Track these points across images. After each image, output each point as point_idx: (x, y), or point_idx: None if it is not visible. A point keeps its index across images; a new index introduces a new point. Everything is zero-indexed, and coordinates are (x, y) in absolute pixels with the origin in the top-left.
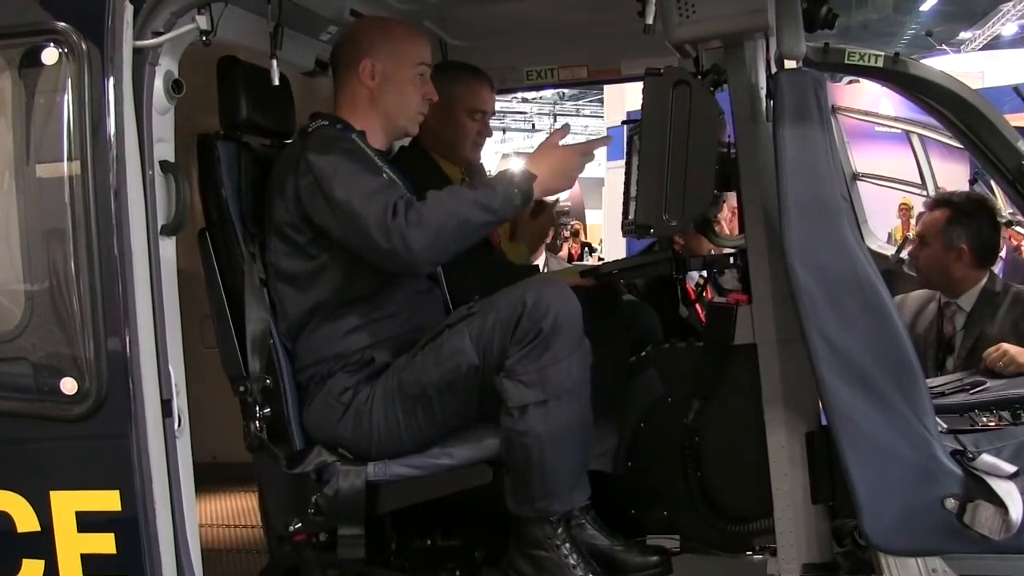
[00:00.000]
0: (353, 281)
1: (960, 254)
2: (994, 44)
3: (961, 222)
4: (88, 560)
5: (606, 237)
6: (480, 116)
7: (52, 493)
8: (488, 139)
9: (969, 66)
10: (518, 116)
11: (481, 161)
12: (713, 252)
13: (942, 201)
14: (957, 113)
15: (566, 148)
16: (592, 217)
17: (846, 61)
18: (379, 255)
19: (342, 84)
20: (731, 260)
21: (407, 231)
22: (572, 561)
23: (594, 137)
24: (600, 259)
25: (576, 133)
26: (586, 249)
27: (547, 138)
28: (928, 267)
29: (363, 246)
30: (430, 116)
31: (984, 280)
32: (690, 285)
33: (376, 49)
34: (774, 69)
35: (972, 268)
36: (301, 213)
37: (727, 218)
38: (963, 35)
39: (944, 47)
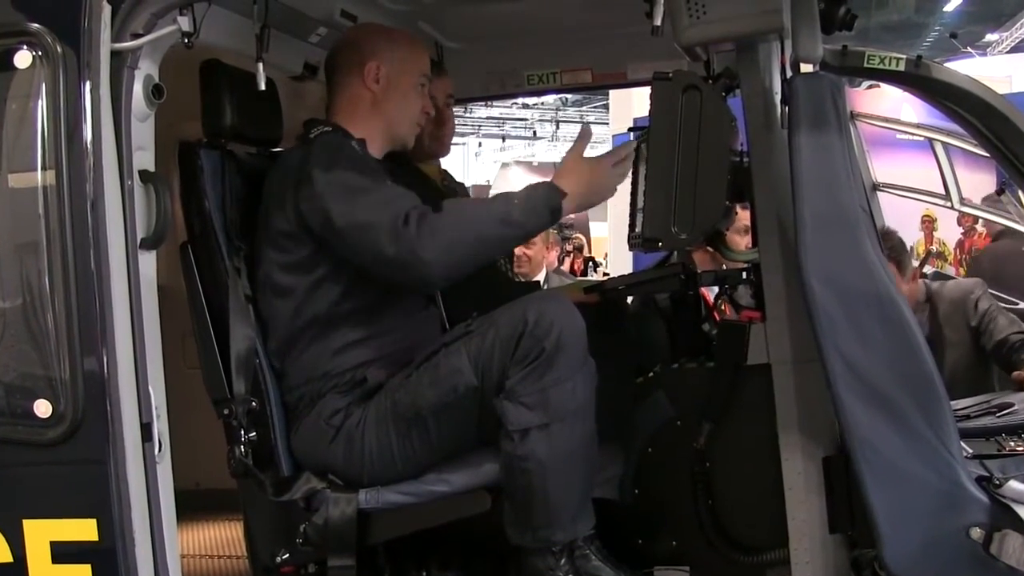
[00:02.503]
0: (350, 296)
1: (915, 275)
2: (1023, 47)
3: (902, 258)
4: None
5: (611, 251)
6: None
7: (25, 522)
8: (479, 142)
9: (996, 70)
10: (518, 123)
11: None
12: (726, 267)
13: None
14: (983, 120)
15: (595, 159)
16: (596, 230)
17: (866, 64)
18: (389, 266)
19: (341, 88)
20: (744, 275)
21: (418, 240)
22: None
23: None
24: (605, 274)
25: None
26: (590, 264)
27: (571, 149)
28: None
29: (372, 257)
30: None
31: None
32: (710, 298)
33: (381, 53)
34: (789, 73)
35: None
36: (302, 225)
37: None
38: (990, 37)
39: (969, 50)
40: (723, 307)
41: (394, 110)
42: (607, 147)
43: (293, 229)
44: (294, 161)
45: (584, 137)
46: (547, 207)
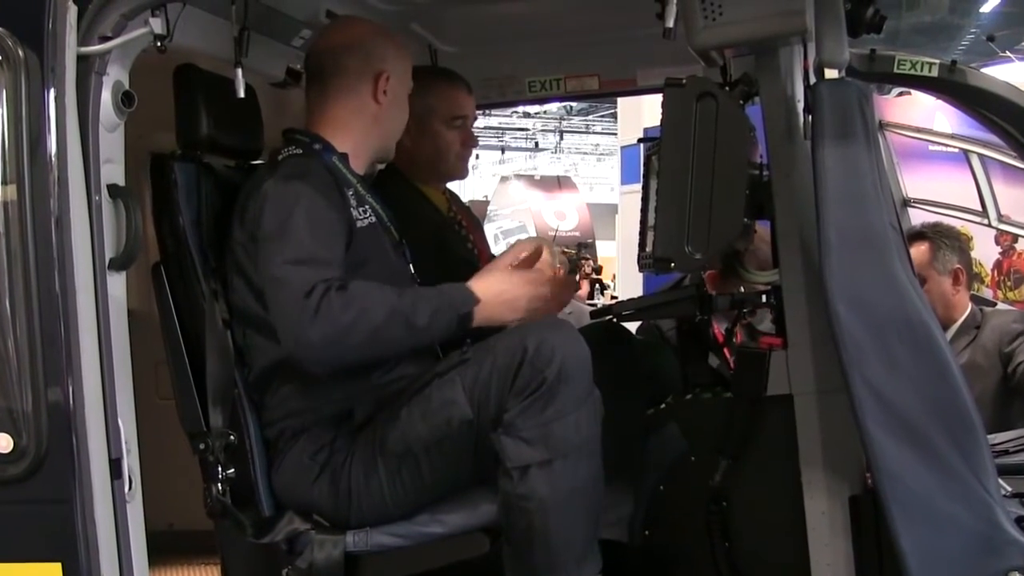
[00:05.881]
0: None
1: (957, 275)
2: None
3: (944, 245)
4: None
5: (620, 272)
6: (460, 123)
7: None
8: (476, 154)
9: None
10: (519, 133)
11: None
12: (743, 289)
13: (914, 236)
14: (1023, 130)
15: (518, 276)
16: (604, 249)
17: (895, 70)
18: (280, 330)
19: (342, 95)
20: (763, 298)
21: (313, 317)
22: None
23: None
24: (613, 298)
25: (586, 152)
26: (597, 287)
27: (500, 257)
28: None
29: (273, 314)
30: (403, 136)
31: (969, 308)
32: (719, 329)
33: (390, 61)
34: (813, 79)
35: (966, 290)
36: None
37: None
38: None
39: (1008, 54)
40: (735, 338)
41: (392, 124)
42: (615, 159)
43: (253, 255)
44: (258, 184)
45: (517, 248)
46: (458, 316)
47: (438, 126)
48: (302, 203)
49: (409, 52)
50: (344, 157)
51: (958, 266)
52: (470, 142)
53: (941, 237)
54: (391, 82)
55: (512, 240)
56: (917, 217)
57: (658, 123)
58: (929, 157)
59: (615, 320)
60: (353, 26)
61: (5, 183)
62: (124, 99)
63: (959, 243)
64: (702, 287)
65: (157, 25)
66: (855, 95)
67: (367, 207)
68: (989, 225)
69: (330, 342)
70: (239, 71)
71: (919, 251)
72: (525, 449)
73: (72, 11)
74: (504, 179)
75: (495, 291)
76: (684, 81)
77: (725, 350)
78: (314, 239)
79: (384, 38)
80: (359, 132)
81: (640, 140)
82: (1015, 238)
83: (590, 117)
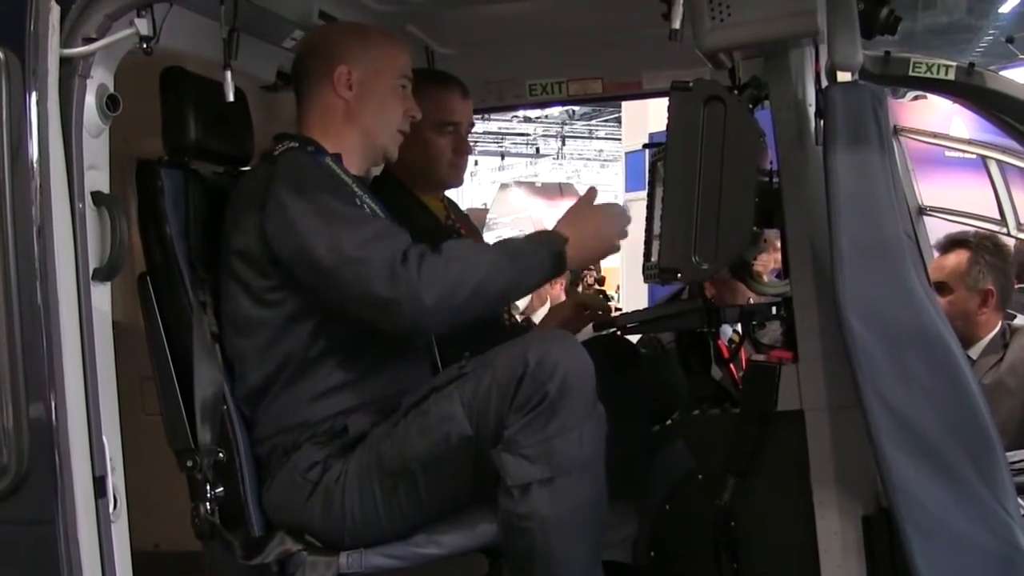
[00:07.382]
0: (327, 333)
1: (986, 297)
2: None
3: (983, 261)
4: None
5: (624, 283)
6: (452, 129)
7: None
8: (475, 160)
9: None
10: (519, 139)
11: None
12: (752, 300)
13: (957, 242)
14: None
15: (599, 209)
16: (608, 259)
17: (911, 73)
18: (379, 308)
19: (310, 97)
20: (773, 310)
21: (420, 282)
22: None
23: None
24: (618, 310)
25: (589, 158)
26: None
27: (578, 201)
28: (950, 316)
29: (359, 296)
30: None
31: (998, 327)
32: (722, 341)
33: (353, 55)
34: (825, 82)
35: (995, 311)
36: (268, 253)
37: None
38: None
39: None
40: (740, 351)
41: (371, 119)
42: (619, 165)
43: (256, 258)
44: (257, 181)
45: (591, 193)
46: (552, 256)
47: (428, 132)
48: (326, 186)
49: (392, 43)
50: (337, 157)
51: (990, 287)
52: (463, 149)
53: (983, 252)
54: (356, 75)
55: None
56: (932, 225)
57: (664, 128)
58: (946, 163)
59: (619, 333)
60: (320, 31)
61: None
62: (109, 103)
63: (1001, 262)
64: (707, 298)
65: (143, 26)
66: (869, 99)
67: (365, 206)
68: (1008, 234)
69: (444, 302)
70: (228, 74)
71: (956, 259)
72: (526, 466)
73: (55, 11)
74: (504, 186)
75: (580, 227)
76: (691, 84)
77: (730, 364)
78: (362, 213)
79: (347, 35)
80: (337, 132)
81: (645, 146)
82: None
83: (593, 122)
